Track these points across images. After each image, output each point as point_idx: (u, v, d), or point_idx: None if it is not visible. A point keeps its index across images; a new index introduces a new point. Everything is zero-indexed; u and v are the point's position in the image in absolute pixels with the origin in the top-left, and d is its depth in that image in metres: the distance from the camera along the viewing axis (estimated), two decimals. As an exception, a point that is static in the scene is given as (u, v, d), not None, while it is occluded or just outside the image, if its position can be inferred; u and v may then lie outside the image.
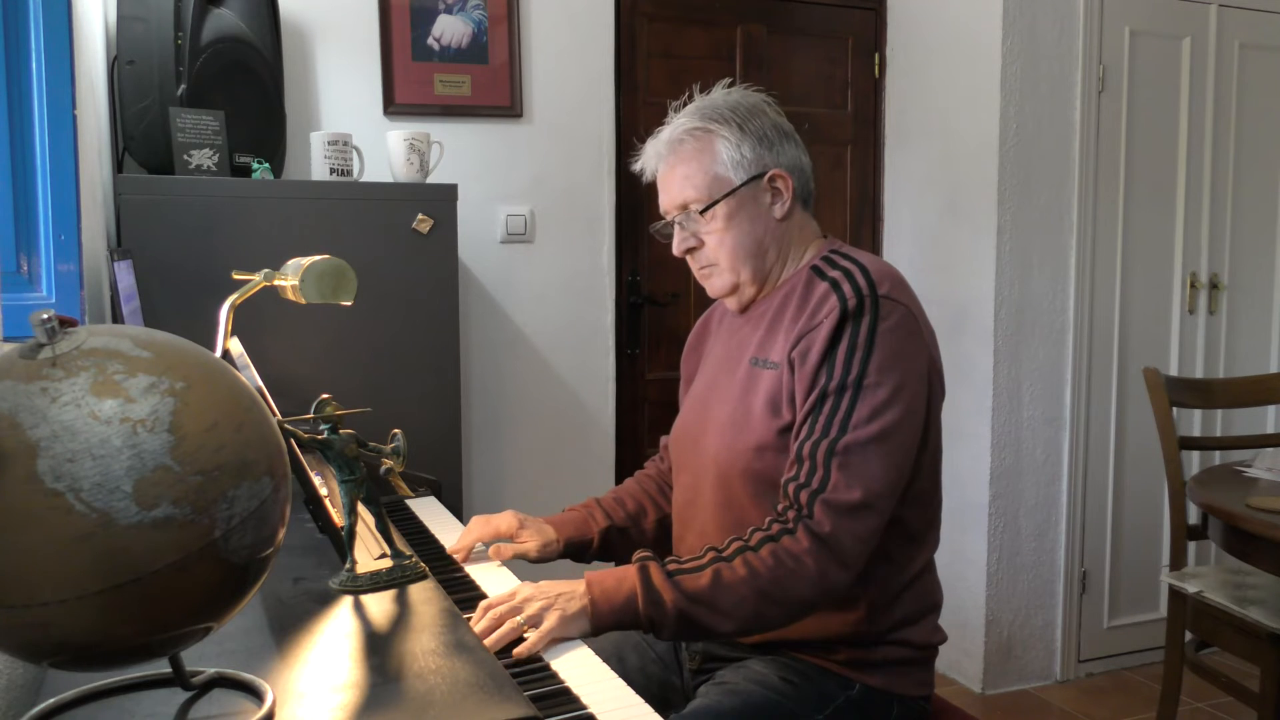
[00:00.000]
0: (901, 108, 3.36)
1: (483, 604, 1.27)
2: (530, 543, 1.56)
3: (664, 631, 1.30)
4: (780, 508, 1.35)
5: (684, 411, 1.63)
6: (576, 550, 1.62)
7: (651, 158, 1.51)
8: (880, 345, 1.34)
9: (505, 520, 1.58)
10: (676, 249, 1.51)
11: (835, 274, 1.42)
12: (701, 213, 1.46)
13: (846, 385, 1.33)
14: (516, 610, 1.25)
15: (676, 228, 1.50)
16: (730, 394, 1.48)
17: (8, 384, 0.73)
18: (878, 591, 1.42)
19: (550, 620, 1.23)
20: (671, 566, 1.31)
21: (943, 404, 1.47)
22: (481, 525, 1.57)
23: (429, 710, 0.92)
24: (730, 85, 1.53)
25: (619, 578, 1.30)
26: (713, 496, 1.48)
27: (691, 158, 1.46)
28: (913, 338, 1.38)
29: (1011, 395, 3.03)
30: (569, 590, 1.28)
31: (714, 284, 1.52)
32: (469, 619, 1.22)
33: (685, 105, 1.52)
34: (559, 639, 1.24)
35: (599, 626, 1.27)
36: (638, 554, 1.35)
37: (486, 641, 1.19)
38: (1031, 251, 3.02)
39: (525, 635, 1.22)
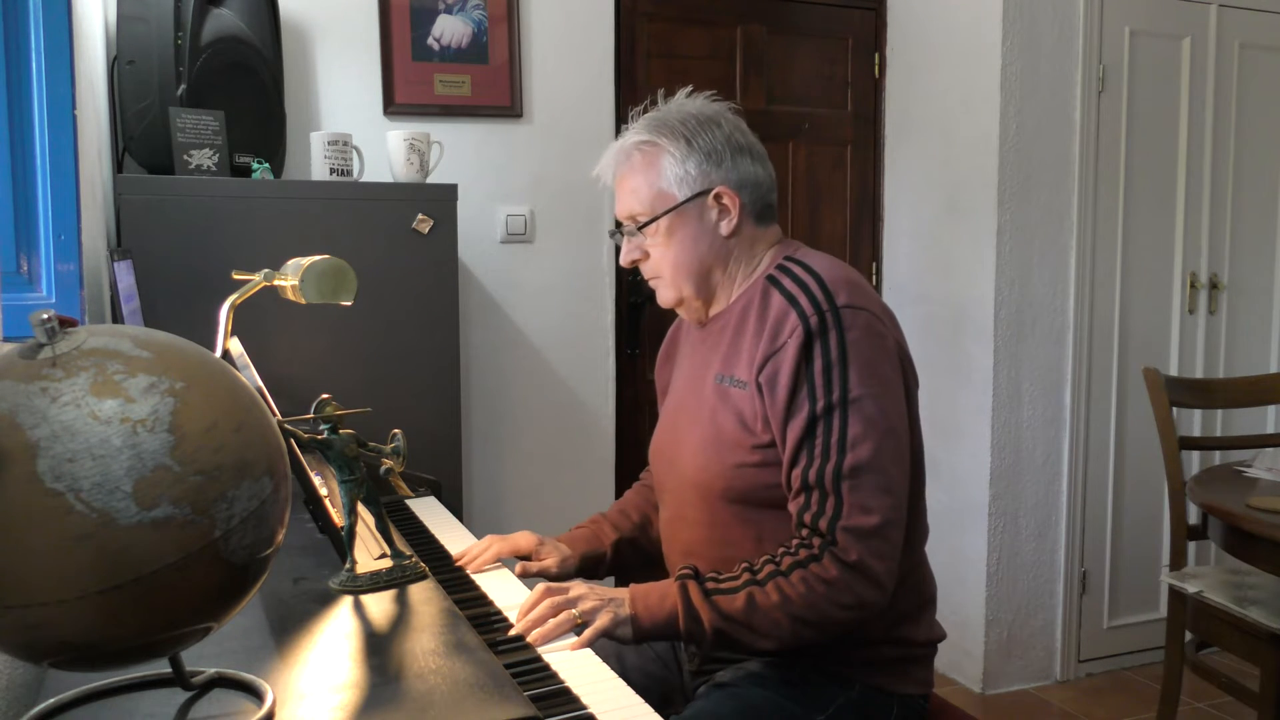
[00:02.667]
0: (901, 108, 3.36)
1: (542, 587, 1.33)
2: (550, 559, 1.58)
3: (703, 645, 1.34)
4: (803, 534, 1.34)
5: (658, 430, 1.62)
6: (592, 564, 1.63)
7: (605, 168, 1.51)
8: (854, 357, 1.33)
9: (525, 539, 1.59)
10: (623, 259, 1.51)
11: (790, 285, 1.40)
12: (641, 228, 1.47)
13: (833, 405, 1.32)
14: (572, 603, 1.30)
15: (625, 239, 1.51)
16: (700, 413, 1.47)
17: (8, 384, 0.73)
18: None
19: (604, 618, 1.30)
20: (709, 585, 1.33)
21: (918, 391, 1.47)
22: (499, 542, 1.57)
23: (429, 710, 0.92)
24: (691, 93, 1.51)
25: (661, 594, 1.33)
26: (695, 516, 1.48)
27: (638, 171, 1.46)
28: (881, 340, 1.37)
29: (1011, 395, 3.03)
30: (618, 597, 1.34)
31: (661, 296, 1.52)
32: (469, 619, 1.22)
33: (644, 113, 1.51)
34: (609, 636, 1.31)
35: (640, 637, 1.33)
36: (680, 569, 1.37)
37: (546, 625, 1.26)
38: (1031, 251, 3.02)
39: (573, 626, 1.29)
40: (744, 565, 1.36)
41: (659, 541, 1.65)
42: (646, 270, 1.51)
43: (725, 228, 1.46)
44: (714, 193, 1.44)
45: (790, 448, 1.35)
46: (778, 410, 1.35)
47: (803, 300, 1.37)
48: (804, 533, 1.34)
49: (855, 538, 1.30)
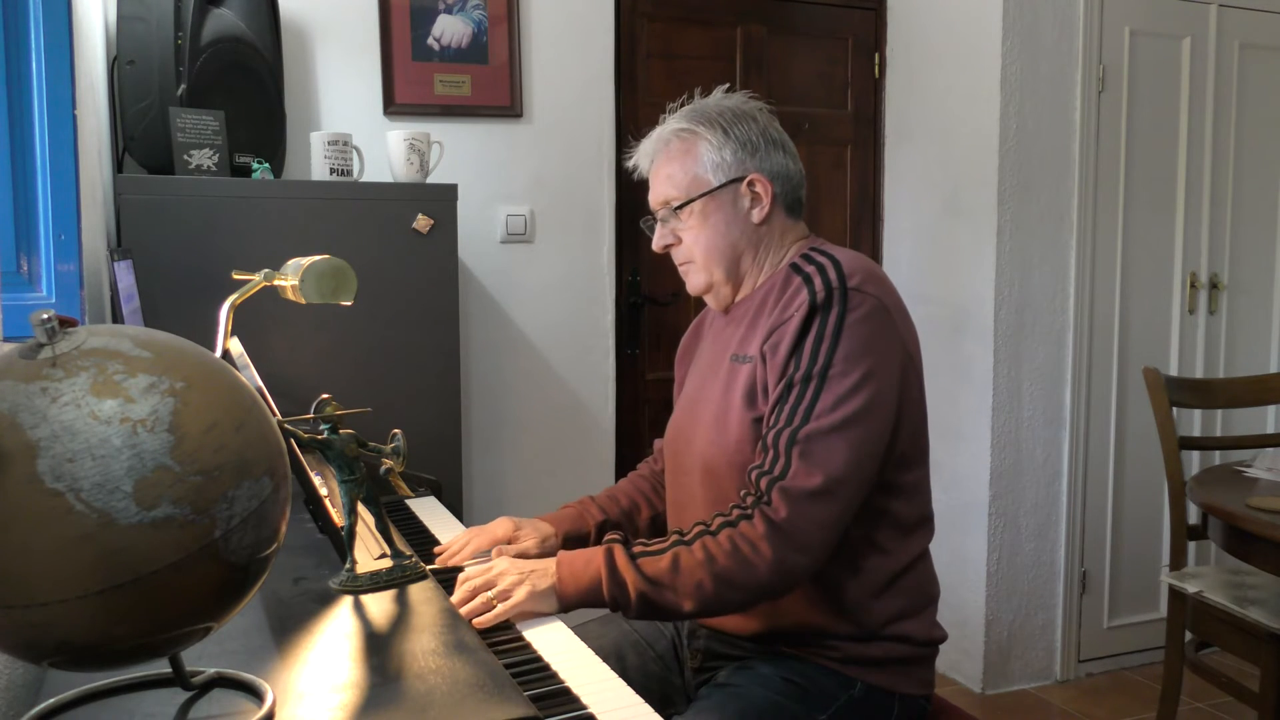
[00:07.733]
0: (901, 108, 3.36)
1: (461, 575, 1.35)
2: (529, 540, 1.59)
3: (628, 612, 1.34)
4: (743, 494, 1.37)
5: (676, 413, 1.65)
6: (575, 544, 1.63)
7: (643, 156, 1.57)
8: (848, 336, 1.35)
9: (502, 527, 1.60)
10: (656, 244, 1.56)
11: (809, 269, 1.44)
12: (678, 209, 1.51)
13: (812, 375, 1.35)
14: (490, 584, 1.31)
15: (658, 224, 1.55)
16: (714, 392, 1.51)
17: (8, 384, 0.73)
18: (869, 581, 1.43)
19: (519, 594, 1.30)
20: (636, 549, 1.35)
21: (924, 395, 1.48)
22: (477, 536, 1.58)
23: (429, 710, 0.92)
24: (729, 90, 1.57)
25: (587, 559, 1.34)
26: (702, 494, 1.50)
27: (676, 158, 1.51)
28: (883, 328, 1.39)
29: (1011, 395, 3.03)
30: (541, 568, 1.34)
31: (691, 281, 1.56)
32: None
33: (682, 106, 1.56)
34: (528, 613, 1.31)
35: (565, 605, 1.33)
36: (608, 535, 1.40)
37: (461, 611, 1.26)
38: (1031, 251, 3.02)
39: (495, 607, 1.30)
40: (675, 530, 1.39)
41: (645, 528, 1.70)
42: (678, 256, 1.55)
43: (757, 215, 1.50)
44: (748, 180, 1.49)
45: (766, 410, 1.39)
46: (773, 375, 1.39)
47: (816, 280, 1.41)
48: (743, 492, 1.37)
49: (789, 498, 1.31)
